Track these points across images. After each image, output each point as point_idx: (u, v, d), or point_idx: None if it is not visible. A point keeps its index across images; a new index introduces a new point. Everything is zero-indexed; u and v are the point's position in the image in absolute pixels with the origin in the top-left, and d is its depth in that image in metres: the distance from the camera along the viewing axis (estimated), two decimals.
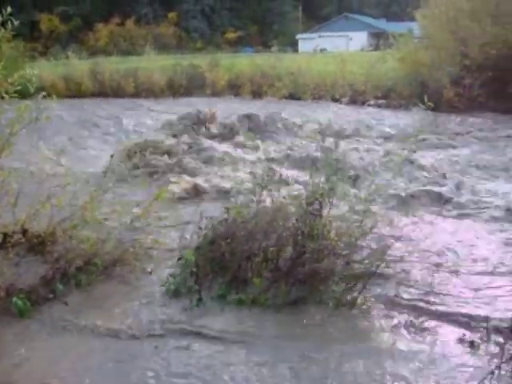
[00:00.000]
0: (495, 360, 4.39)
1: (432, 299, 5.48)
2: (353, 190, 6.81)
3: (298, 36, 70.27)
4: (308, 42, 60.56)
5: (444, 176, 10.00)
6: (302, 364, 4.45)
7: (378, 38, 52.58)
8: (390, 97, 20.90)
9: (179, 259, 5.81)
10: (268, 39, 55.70)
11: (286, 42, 59.94)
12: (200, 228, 5.93)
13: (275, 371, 4.35)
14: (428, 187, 9.20)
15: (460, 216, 8.17)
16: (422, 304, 5.37)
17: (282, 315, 5.14)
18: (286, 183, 8.53)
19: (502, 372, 4.20)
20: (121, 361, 4.53)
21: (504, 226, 7.66)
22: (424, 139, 12.98)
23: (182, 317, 5.17)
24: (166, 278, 5.69)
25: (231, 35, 69.29)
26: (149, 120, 17.87)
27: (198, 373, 4.32)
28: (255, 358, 4.53)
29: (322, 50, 44.41)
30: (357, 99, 21.71)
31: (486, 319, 4.97)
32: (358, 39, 61.42)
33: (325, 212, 5.50)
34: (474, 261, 6.49)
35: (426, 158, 11.48)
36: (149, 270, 6.18)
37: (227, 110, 18.09)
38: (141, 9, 68.49)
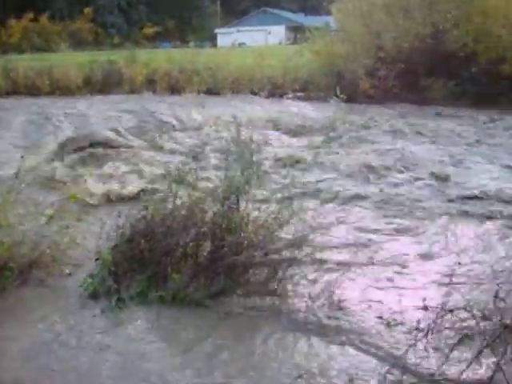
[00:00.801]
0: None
1: (350, 284, 5.67)
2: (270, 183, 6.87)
3: (217, 30, 70.24)
4: (227, 37, 60.61)
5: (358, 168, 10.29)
6: (220, 355, 4.49)
7: (296, 32, 53.28)
8: (307, 89, 21.23)
9: (97, 259, 5.71)
10: (186, 34, 55.50)
11: (204, 36, 59.88)
12: (118, 227, 5.84)
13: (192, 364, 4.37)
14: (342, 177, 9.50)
15: (376, 205, 8.44)
16: (339, 290, 5.51)
17: (202, 309, 5.15)
18: (203, 177, 8.53)
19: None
20: None
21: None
22: (337, 129, 13.28)
23: (100, 318, 5.09)
24: (84, 279, 5.58)
25: (149, 30, 68.34)
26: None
27: (110, 371, 4.28)
28: (173, 350, 4.56)
29: (240, 45, 44.57)
30: (275, 92, 21.93)
31: (400, 299, 5.19)
32: (277, 33, 61.99)
33: (243, 205, 5.55)
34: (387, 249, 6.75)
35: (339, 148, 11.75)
36: (67, 271, 6.04)
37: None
38: (55, 4, 66.46)
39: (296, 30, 55.25)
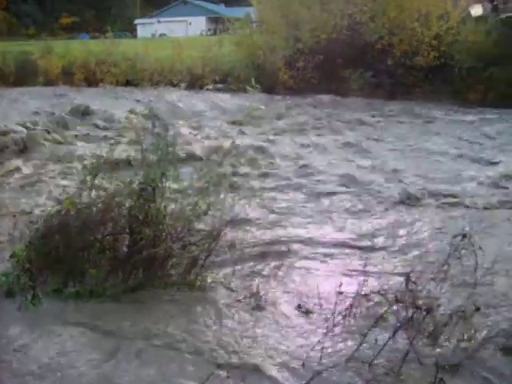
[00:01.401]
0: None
1: (268, 274, 5.73)
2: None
3: (137, 21, 68.95)
4: (147, 28, 59.73)
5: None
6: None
7: (217, 23, 53.09)
8: (227, 80, 21.21)
9: (11, 256, 5.51)
10: (105, 25, 54.15)
11: (124, 27, 58.61)
12: (31, 222, 5.67)
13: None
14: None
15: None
16: (258, 281, 5.55)
17: (120, 304, 5.07)
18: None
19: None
20: None
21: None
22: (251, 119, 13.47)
23: (14, 316, 4.92)
24: None
25: (66, 21, 66.38)
26: None
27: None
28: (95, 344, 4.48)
29: (161, 36, 44.02)
30: (195, 84, 21.79)
31: (317, 287, 5.28)
32: (198, 24, 61.53)
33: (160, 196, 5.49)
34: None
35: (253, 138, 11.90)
36: None
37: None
38: None
39: (217, 21, 55.08)
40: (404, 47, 19.64)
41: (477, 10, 21.35)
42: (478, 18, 21.07)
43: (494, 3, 22.51)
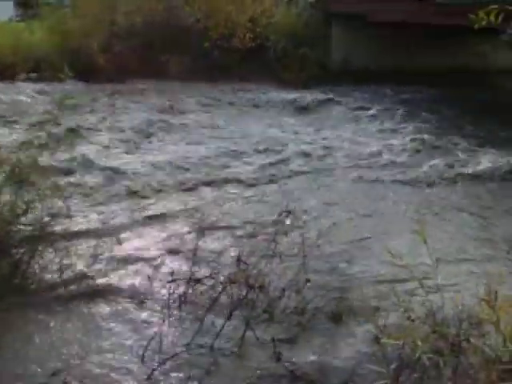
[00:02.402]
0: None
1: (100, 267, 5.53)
2: None
3: None
4: None
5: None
6: None
7: (27, 8, 49.98)
8: (41, 69, 19.98)
9: None
10: None
11: None
12: None
13: None
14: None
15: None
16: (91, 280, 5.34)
17: None
18: None
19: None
20: None
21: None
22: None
23: None
24: None
25: None
26: None
27: None
28: None
29: None
30: (5, 74, 20.21)
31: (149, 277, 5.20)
32: (5, 9, 57.52)
33: None
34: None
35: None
36: None
37: None
38: None
39: (26, 6, 51.88)
40: (220, 30, 19.82)
41: None
42: (290, 1, 21.93)
43: None
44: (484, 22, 3.25)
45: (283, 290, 4.90)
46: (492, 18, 3.24)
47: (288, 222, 5.86)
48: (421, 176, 9.20)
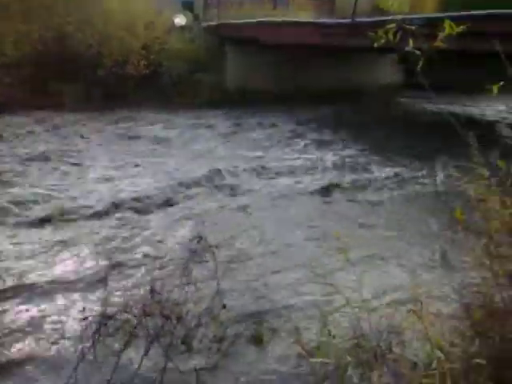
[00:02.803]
0: None
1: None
2: None
3: None
4: None
5: None
6: None
7: None
8: None
9: None
10: None
11: None
12: None
13: None
14: None
15: None
16: None
17: None
18: None
19: None
20: None
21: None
22: None
23: None
24: None
25: None
26: None
27: None
28: None
29: None
30: None
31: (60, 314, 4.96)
32: None
33: None
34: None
35: None
36: None
37: None
38: None
39: None
40: (114, 57, 19.56)
41: (180, 20, 22.22)
42: (183, 27, 22.00)
43: (195, 13, 23.74)
44: (383, 41, 3.39)
45: (199, 318, 4.81)
46: (390, 36, 3.38)
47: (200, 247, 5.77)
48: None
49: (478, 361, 3.14)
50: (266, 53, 19.55)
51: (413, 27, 3.47)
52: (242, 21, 19.11)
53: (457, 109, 17.24)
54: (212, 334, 4.71)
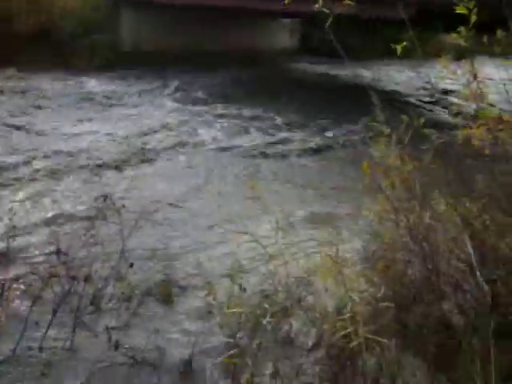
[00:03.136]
0: None
1: None
2: None
3: None
4: None
5: None
6: None
7: None
8: None
9: None
10: None
11: None
12: None
13: None
14: None
15: None
16: None
17: None
18: None
19: None
20: None
21: None
22: None
23: None
24: None
25: None
26: None
27: None
28: None
29: None
30: None
31: None
32: None
33: None
34: None
35: None
36: None
37: None
38: None
39: None
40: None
41: None
42: None
43: None
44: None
45: (106, 278, 4.74)
46: None
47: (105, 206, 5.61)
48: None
49: (384, 304, 3.31)
50: (164, 13, 19.11)
51: None
52: None
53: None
54: (120, 294, 4.63)
